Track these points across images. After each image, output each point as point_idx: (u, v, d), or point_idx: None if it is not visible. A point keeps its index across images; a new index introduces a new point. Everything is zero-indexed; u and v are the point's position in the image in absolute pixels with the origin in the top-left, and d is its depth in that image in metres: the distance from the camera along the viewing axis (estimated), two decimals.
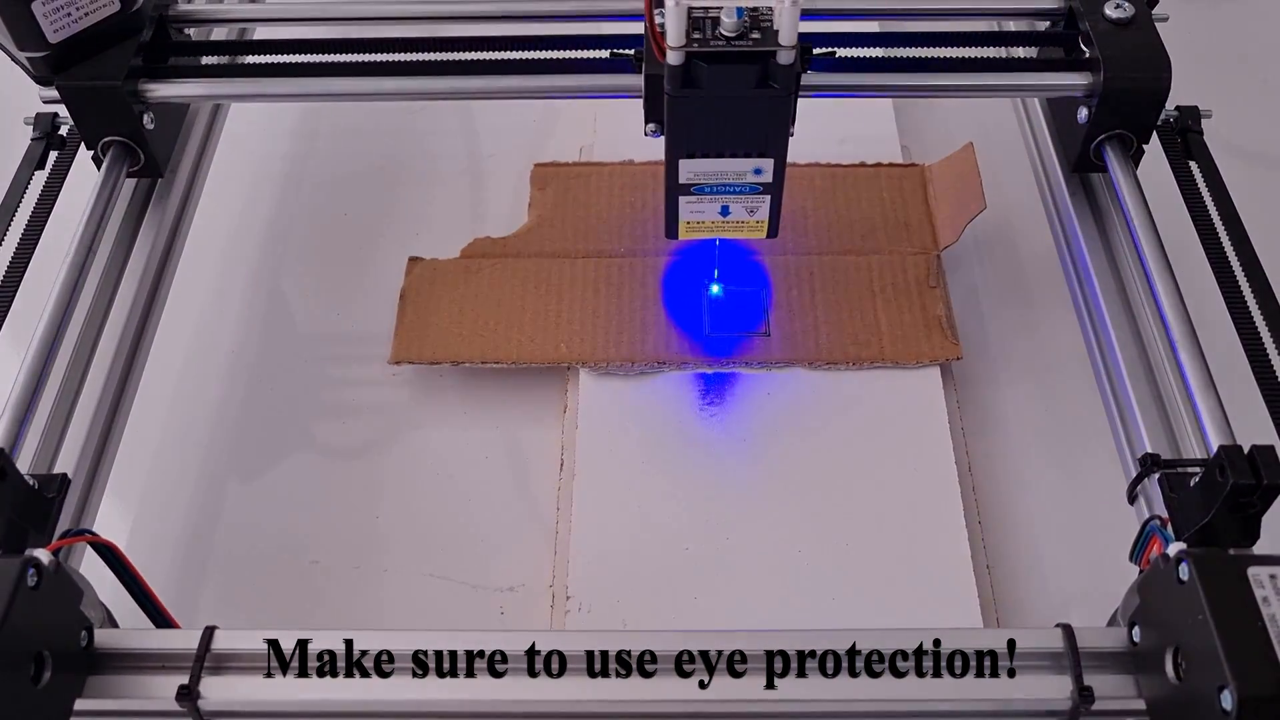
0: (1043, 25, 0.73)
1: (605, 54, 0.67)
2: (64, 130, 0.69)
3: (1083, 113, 0.67)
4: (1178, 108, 0.69)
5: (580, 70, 0.67)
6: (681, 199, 0.62)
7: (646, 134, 0.60)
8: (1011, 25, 0.77)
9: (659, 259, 0.77)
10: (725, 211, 0.62)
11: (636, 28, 0.65)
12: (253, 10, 0.79)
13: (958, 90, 0.68)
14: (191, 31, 0.74)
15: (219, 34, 0.77)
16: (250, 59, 0.71)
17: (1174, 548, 0.48)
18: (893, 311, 0.74)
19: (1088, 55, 0.67)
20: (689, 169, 0.60)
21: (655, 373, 0.72)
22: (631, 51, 0.65)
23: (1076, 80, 0.67)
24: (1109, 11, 0.67)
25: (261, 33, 0.79)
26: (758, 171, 0.60)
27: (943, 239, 0.78)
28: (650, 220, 0.79)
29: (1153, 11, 0.67)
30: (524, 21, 0.71)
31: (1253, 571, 0.45)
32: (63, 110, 0.67)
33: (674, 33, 0.53)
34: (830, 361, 0.72)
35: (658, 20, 0.55)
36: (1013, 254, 0.81)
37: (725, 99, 0.56)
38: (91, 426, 0.60)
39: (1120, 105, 0.66)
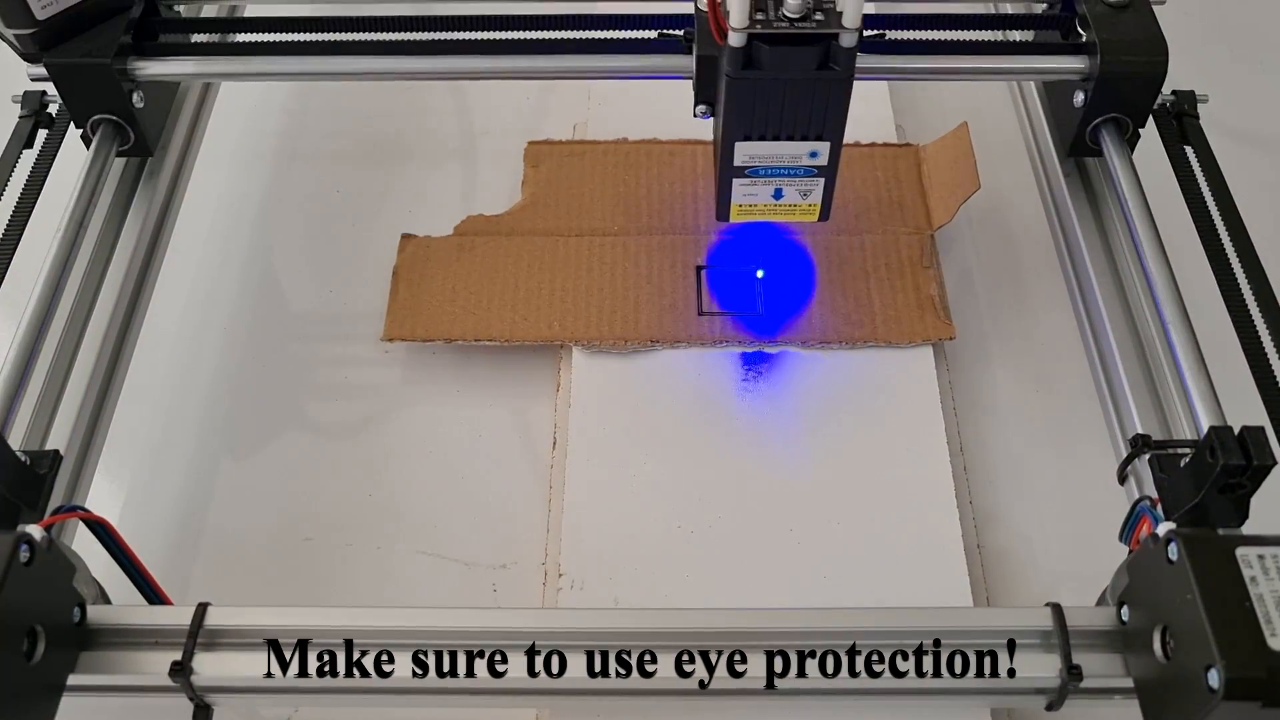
0: (1040, 7, 0.73)
1: (651, 34, 0.65)
2: (53, 109, 0.68)
3: (1079, 96, 0.67)
4: (1174, 92, 0.68)
5: (623, 50, 0.66)
6: (735, 181, 0.61)
7: (696, 115, 0.59)
8: (1008, 7, 0.77)
9: (652, 238, 0.77)
10: (779, 194, 0.61)
11: (673, 7, 0.64)
12: None
13: (953, 74, 0.68)
14: (181, 8, 0.73)
15: (209, 10, 0.76)
16: (242, 36, 0.70)
17: (1163, 528, 0.48)
18: (886, 291, 0.74)
19: (1084, 39, 0.67)
20: (745, 151, 0.59)
21: (648, 351, 0.72)
22: (681, 32, 0.64)
23: (1073, 64, 0.66)
24: None
25: (253, 9, 0.78)
26: (814, 154, 0.59)
27: (936, 219, 0.78)
28: (644, 199, 0.79)
29: None
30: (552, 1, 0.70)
31: (1241, 552, 0.45)
32: (51, 88, 0.66)
33: (738, 13, 0.52)
34: (823, 341, 0.72)
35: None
36: (1006, 234, 0.81)
37: (785, 81, 0.55)
38: (83, 402, 0.60)
39: (1117, 89, 0.65)
